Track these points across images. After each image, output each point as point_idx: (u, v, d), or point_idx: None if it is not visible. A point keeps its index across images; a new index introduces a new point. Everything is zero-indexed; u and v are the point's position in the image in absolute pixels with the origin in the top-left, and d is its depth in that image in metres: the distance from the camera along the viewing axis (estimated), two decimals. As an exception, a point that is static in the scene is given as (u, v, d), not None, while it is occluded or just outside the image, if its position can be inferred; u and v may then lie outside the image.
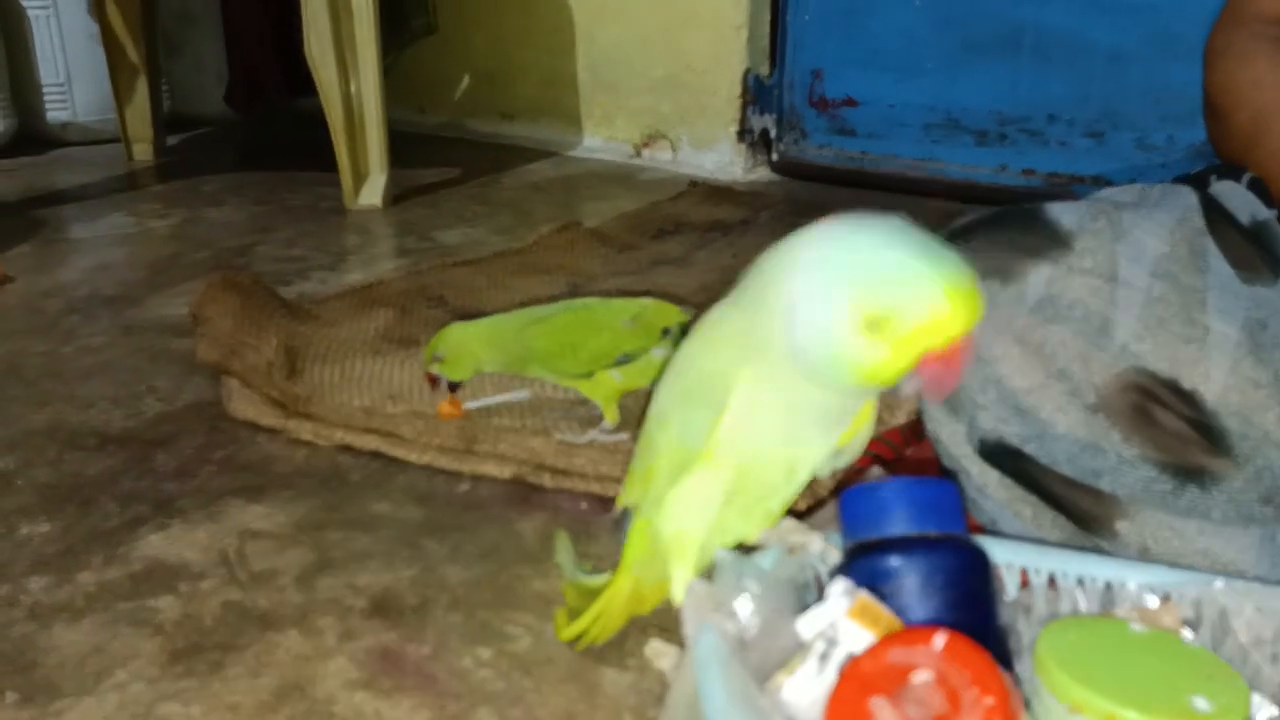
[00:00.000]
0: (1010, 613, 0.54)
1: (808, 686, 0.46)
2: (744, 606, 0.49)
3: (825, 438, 0.52)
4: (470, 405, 1.05)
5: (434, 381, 1.01)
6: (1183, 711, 0.42)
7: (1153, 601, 0.52)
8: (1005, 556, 0.56)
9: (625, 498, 0.60)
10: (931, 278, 0.42)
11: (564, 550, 0.69)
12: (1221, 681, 0.44)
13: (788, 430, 0.51)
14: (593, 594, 0.65)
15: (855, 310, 0.43)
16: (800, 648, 0.49)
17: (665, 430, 0.53)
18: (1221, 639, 0.50)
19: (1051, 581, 0.55)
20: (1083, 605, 0.54)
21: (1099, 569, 0.55)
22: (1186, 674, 0.45)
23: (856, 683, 0.43)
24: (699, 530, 0.53)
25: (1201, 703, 0.43)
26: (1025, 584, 0.57)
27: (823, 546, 0.54)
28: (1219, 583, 0.50)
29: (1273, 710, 0.46)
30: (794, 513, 0.57)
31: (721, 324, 0.51)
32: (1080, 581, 0.54)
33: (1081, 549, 0.61)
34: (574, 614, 0.66)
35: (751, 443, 0.50)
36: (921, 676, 0.42)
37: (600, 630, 0.64)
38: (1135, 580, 0.53)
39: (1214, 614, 0.50)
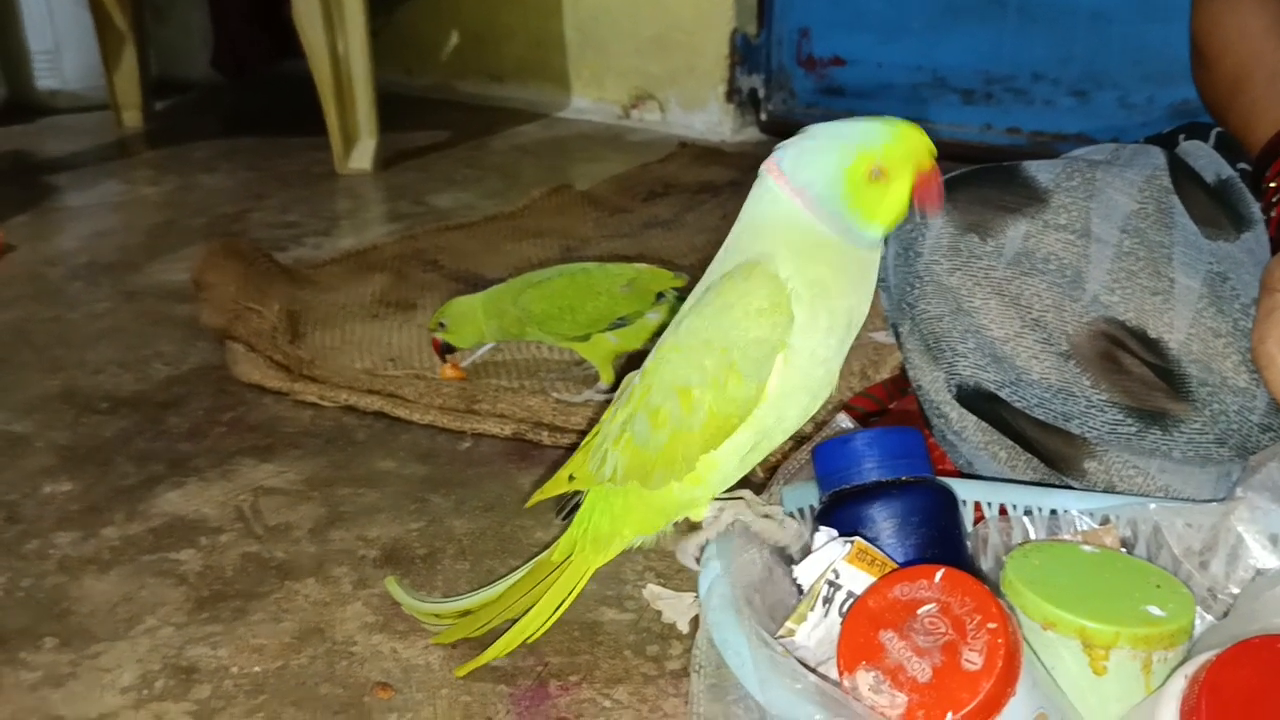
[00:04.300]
0: (970, 544, 0.58)
1: (815, 629, 0.50)
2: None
3: (843, 347, 0.54)
4: (465, 363, 1.09)
5: (437, 348, 1.05)
6: (1141, 619, 0.47)
7: (1093, 524, 0.56)
8: (961, 493, 0.60)
9: (578, 481, 0.60)
10: (893, 127, 0.51)
11: (399, 592, 0.68)
12: (1168, 590, 0.49)
13: (814, 368, 0.52)
14: (470, 612, 0.65)
15: (859, 167, 0.50)
16: (802, 594, 0.53)
17: (685, 403, 0.52)
18: (1157, 552, 0.55)
19: (1002, 512, 0.60)
20: (1032, 533, 0.58)
21: (1044, 499, 0.60)
22: (1138, 586, 0.49)
23: (865, 619, 0.46)
24: (726, 480, 0.56)
25: (1155, 610, 0.47)
26: (980, 518, 0.61)
27: (782, 517, 0.58)
28: (1152, 504, 0.55)
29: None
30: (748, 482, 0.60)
31: (728, 296, 0.51)
32: (1028, 511, 0.59)
33: (1030, 483, 0.66)
34: (457, 631, 0.66)
35: (790, 394, 0.53)
36: (926, 608, 0.45)
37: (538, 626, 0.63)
38: (1077, 507, 0.58)
39: (1149, 531, 0.55)
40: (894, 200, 0.51)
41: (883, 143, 0.50)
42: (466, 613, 0.66)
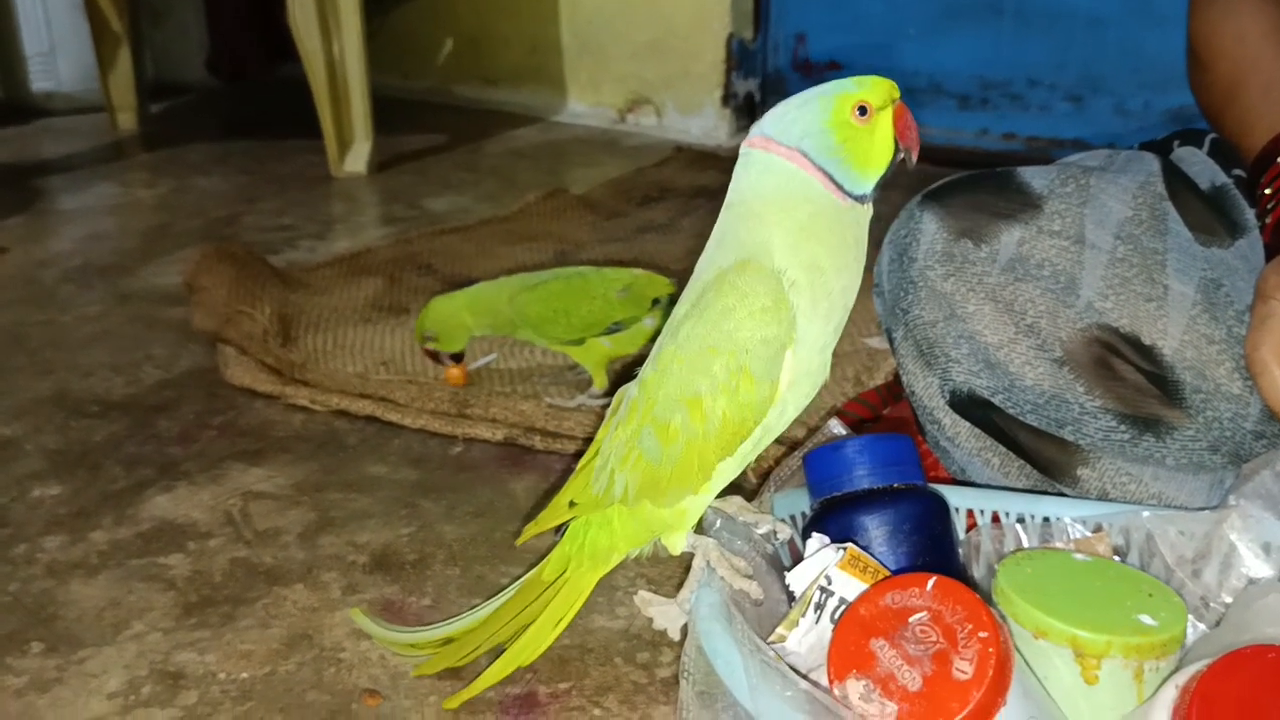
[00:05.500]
0: (962, 552, 0.58)
1: (807, 635, 0.50)
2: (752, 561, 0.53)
3: (840, 330, 0.54)
4: (471, 366, 1.09)
5: (435, 357, 1.04)
6: (1133, 628, 0.47)
7: (1086, 532, 0.56)
8: (954, 501, 0.60)
9: (581, 507, 0.58)
10: (856, 79, 0.52)
11: (367, 623, 0.66)
12: (1160, 599, 0.49)
13: (814, 356, 0.52)
14: (448, 639, 0.63)
15: (842, 109, 0.51)
16: (794, 600, 0.53)
17: (696, 413, 0.51)
18: (1149, 560, 0.54)
19: (995, 519, 0.59)
20: (1025, 541, 0.58)
21: (1037, 506, 0.59)
22: (1130, 594, 0.49)
23: (857, 627, 0.46)
24: (726, 480, 0.55)
25: (1147, 619, 0.47)
26: (972, 525, 0.60)
27: (773, 525, 0.57)
28: (1145, 511, 0.54)
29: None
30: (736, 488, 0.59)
31: (727, 295, 0.50)
32: (1021, 519, 0.59)
33: (1023, 490, 0.65)
34: (441, 660, 0.64)
35: (795, 384, 0.52)
36: (917, 617, 0.45)
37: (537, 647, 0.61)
38: (1070, 514, 0.58)
39: (1141, 539, 0.55)
40: (881, 139, 0.51)
41: (856, 85, 0.51)
42: (449, 640, 0.63)
